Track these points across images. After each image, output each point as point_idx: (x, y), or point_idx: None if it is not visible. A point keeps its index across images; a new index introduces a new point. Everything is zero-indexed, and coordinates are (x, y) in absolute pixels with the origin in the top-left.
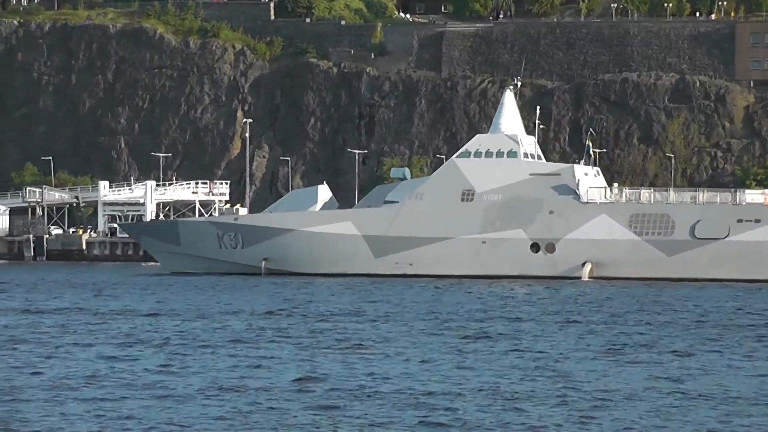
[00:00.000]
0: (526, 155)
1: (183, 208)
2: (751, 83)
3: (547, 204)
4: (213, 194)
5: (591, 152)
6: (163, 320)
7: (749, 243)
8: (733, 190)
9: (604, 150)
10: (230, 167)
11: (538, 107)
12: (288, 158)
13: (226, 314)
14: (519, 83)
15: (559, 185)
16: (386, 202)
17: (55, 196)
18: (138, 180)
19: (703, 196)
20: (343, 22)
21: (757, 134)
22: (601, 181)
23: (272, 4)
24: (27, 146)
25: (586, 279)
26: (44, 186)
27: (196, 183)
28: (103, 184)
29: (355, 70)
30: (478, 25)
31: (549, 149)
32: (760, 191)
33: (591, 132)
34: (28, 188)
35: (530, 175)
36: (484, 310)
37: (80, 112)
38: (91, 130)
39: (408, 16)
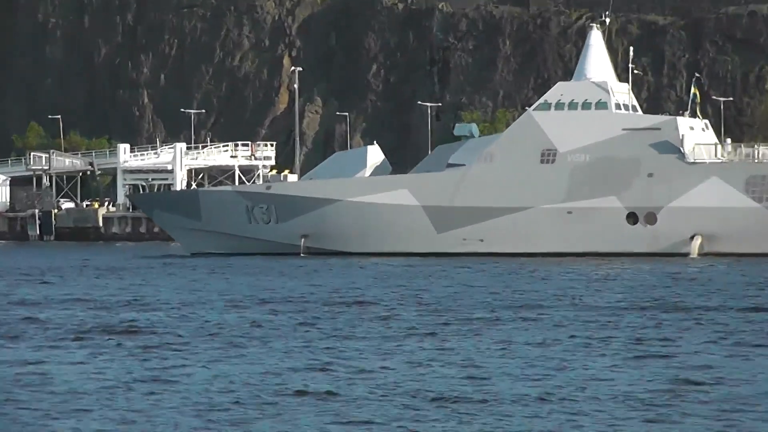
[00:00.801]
0: (618, 106)
1: (220, 175)
2: None
3: (646, 165)
4: (256, 158)
5: (698, 101)
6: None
7: None
8: None
9: (730, 99)
10: (276, 125)
11: (631, 49)
12: (346, 114)
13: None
14: (608, 19)
15: (660, 142)
16: (449, 166)
17: (66, 162)
18: (165, 142)
19: None
20: None
21: None
22: (711, 136)
23: None
24: (31, 103)
25: (696, 255)
26: (52, 150)
27: (236, 145)
28: (123, 148)
29: (425, 6)
30: None
31: (662, 97)
32: None
33: (697, 76)
34: (32, 153)
35: (624, 130)
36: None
37: (94, 61)
38: (108, 83)
39: None
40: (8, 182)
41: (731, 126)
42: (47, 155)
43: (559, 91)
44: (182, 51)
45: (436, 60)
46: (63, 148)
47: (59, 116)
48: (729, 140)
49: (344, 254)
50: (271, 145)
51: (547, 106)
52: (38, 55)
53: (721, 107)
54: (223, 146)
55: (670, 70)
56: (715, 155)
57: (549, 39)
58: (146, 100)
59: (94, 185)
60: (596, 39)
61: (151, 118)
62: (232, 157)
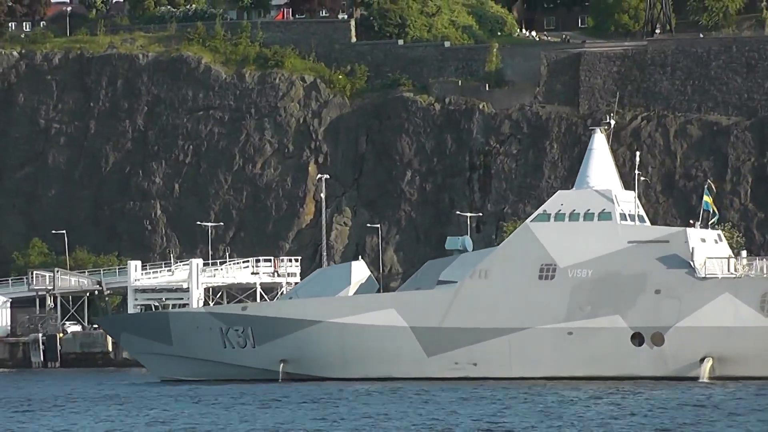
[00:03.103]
0: (623, 217)
1: (240, 293)
2: None
3: (653, 281)
4: (279, 275)
5: (711, 209)
6: None
7: None
8: None
9: None
10: (301, 238)
11: (638, 153)
12: (377, 225)
13: None
14: (613, 121)
15: (668, 256)
16: (440, 283)
17: (71, 281)
18: (179, 258)
19: None
20: (447, 44)
21: None
22: (724, 248)
23: (353, 22)
24: (32, 216)
25: (706, 379)
26: (56, 269)
27: (257, 260)
28: (134, 265)
29: (465, 107)
30: (626, 43)
31: (725, 205)
32: None
33: (709, 183)
34: (35, 272)
35: (629, 243)
36: None
37: (102, 170)
38: (117, 193)
39: (533, 33)
40: (9, 304)
41: None
42: (51, 274)
43: (559, 201)
44: (198, 157)
45: (477, 165)
46: (68, 266)
47: (63, 231)
48: (744, 253)
49: (326, 380)
50: (296, 260)
51: (546, 217)
52: (39, 163)
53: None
54: (244, 262)
55: (733, 174)
56: (728, 270)
57: None
58: (159, 212)
59: (102, 306)
60: (600, 143)
61: (164, 231)
62: (253, 273)
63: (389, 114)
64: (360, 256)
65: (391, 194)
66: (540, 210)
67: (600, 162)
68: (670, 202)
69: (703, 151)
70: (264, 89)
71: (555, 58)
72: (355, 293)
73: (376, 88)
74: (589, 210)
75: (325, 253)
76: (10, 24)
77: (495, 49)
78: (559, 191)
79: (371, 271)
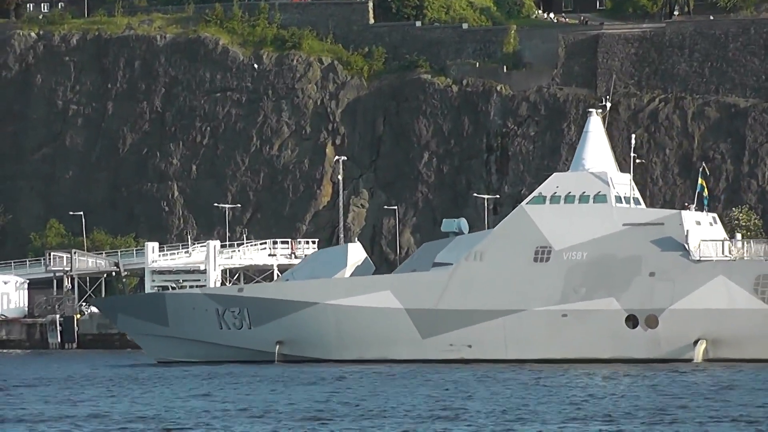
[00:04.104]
0: (618, 199)
1: (257, 275)
2: None
3: (647, 264)
4: (296, 257)
5: (705, 193)
6: None
7: None
8: None
9: None
10: (318, 220)
11: (633, 136)
12: (395, 207)
13: None
14: (608, 104)
15: (663, 239)
16: (436, 265)
17: (89, 263)
18: (197, 240)
19: None
20: (465, 26)
21: None
22: (719, 231)
23: (371, 4)
24: (50, 198)
25: (700, 361)
26: (74, 250)
27: (274, 242)
28: (151, 246)
29: (482, 89)
30: (645, 25)
31: (743, 188)
32: None
33: (704, 167)
34: (52, 253)
35: (624, 225)
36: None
37: (119, 151)
38: (134, 175)
39: (551, 15)
40: (26, 285)
41: None
42: (68, 255)
43: (554, 183)
44: (215, 139)
45: (494, 147)
46: (85, 248)
47: (81, 212)
48: (739, 236)
49: (322, 361)
50: (313, 242)
51: (541, 200)
52: (57, 145)
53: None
54: (261, 244)
55: (751, 156)
56: (723, 252)
57: (619, 123)
58: (176, 193)
59: (119, 287)
60: (596, 125)
61: (181, 213)
62: (270, 255)
63: (407, 96)
64: (376, 239)
65: (408, 176)
66: (535, 192)
67: (596, 144)
68: (687, 184)
69: (721, 133)
70: (281, 71)
71: (573, 40)
72: (351, 275)
73: (394, 70)
74: (584, 192)
75: (342, 235)
76: (28, 5)
77: (513, 31)
78: (554, 173)
79: (386, 254)
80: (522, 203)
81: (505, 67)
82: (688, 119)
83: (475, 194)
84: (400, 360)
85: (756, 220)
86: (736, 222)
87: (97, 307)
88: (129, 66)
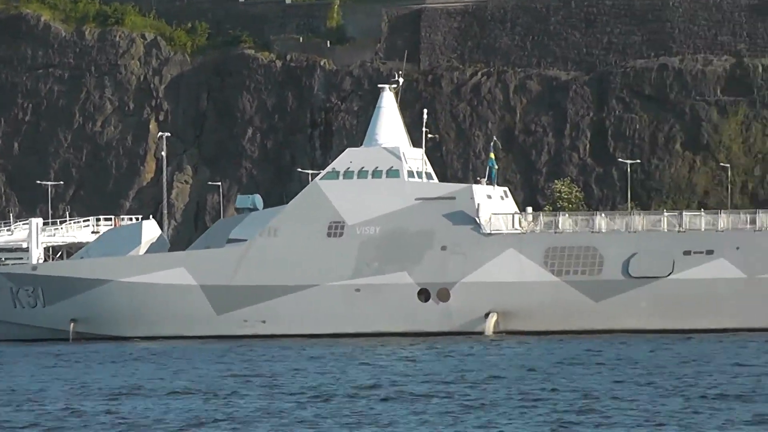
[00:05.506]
0: (411, 174)
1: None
2: None
3: (439, 237)
4: None
5: (495, 167)
6: None
7: (698, 281)
8: (677, 213)
9: (638, 161)
10: (142, 197)
11: (425, 112)
12: (219, 183)
13: None
14: (401, 79)
15: (454, 212)
16: (230, 241)
17: None
18: (19, 218)
19: (641, 221)
20: (288, 1)
21: None
22: (510, 205)
23: None
24: None
25: (491, 334)
26: None
27: (98, 219)
28: None
29: (306, 64)
30: (467, 0)
31: (564, 161)
32: None
33: (495, 141)
34: None
35: (416, 200)
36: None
37: None
38: None
39: None
40: None
41: (638, 191)
42: None
43: (348, 159)
44: (38, 116)
45: (318, 122)
46: None
47: None
48: (530, 209)
49: (116, 339)
50: (137, 218)
51: (335, 175)
52: None
53: (628, 170)
54: (84, 221)
55: (572, 129)
56: (513, 226)
57: (441, 97)
58: None
59: None
60: (388, 100)
61: (3, 191)
62: (93, 233)
63: (230, 71)
64: (199, 215)
65: (232, 152)
66: (329, 168)
67: (389, 120)
68: (510, 158)
69: (543, 107)
70: (104, 46)
71: (396, 15)
72: (145, 252)
73: (217, 46)
74: (377, 167)
75: (165, 212)
76: None
77: (336, 6)
78: (348, 149)
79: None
80: (315, 179)
81: (328, 42)
82: (510, 93)
83: (299, 169)
84: (195, 336)
85: (577, 193)
86: (558, 195)
87: None
88: None
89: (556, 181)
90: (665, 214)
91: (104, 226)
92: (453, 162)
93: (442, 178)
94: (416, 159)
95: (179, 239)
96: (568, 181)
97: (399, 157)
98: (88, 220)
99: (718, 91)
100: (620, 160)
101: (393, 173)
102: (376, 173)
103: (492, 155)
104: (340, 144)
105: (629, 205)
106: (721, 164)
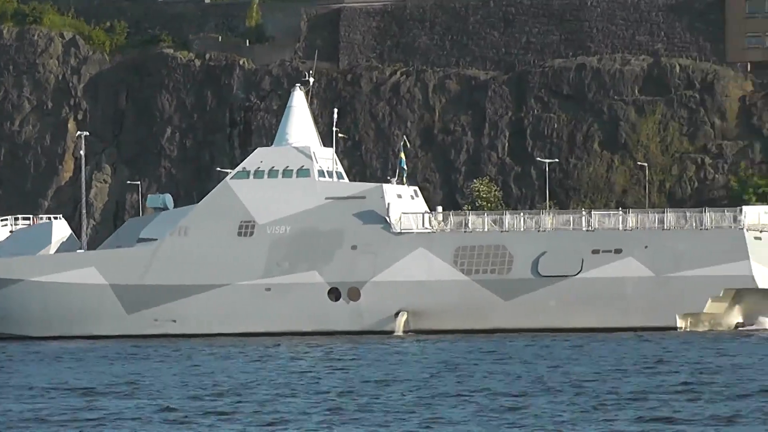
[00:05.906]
0: (321, 173)
1: None
2: (748, 67)
3: (349, 237)
4: None
5: (405, 166)
6: None
7: (607, 280)
8: (586, 211)
9: (556, 160)
10: (60, 196)
11: (336, 111)
12: (138, 182)
13: None
14: (312, 79)
15: (364, 212)
16: (140, 240)
17: None
18: None
19: (550, 220)
20: (207, 0)
21: (757, 132)
22: (420, 204)
23: None
24: None
25: (400, 333)
26: None
27: (16, 219)
28: None
29: (225, 63)
30: None
31: (483, 160)
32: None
33: (405, 140)
34: None
35: (326, 199)
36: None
37: None
38: None
39: None
40: None
41: (557, 190)
42: None
43: (258, 158)
44: None
45: (237, 121)
46: None
47: None
48: (440, 208)
49: (28, 339)
50: (56, 218)
51: (245, 174)
52: None
53: (546, 169)
54: (2, 220)
55: (491, 128)
56: (423, 225)
57: (360, 97)
58: None
59: None
60: (299, 100)
61: None
62: (11, 232)
63: (149, 70)
64: (120, 214)
65: (152, 151)
66: (239, 167)
67: (299, 119)
68: (429, 157)
69: (461, 106)
70: (22, 45)
71: (315, 14)
72: (56, 252)
73: (136, 45)
74: (287, 167)
75: (84, 211)
76: None
77: (255, 5)
78: (258, 148)
79: None
80: (226, 178)
81: (247, 41)
82: (429, 92)
83: (218, 168)
84: (105, 336)
85: (496, 192)
86: (477, 193)
87: None
88: None
89: (474, 180)
90: (573, 213)
91: (23, 226)
92: (372, 161)
93: (362, 177)
94: (327, 158)
95: (98, 239)
96: (487, 181)
97: (309, 157)
98: (6, 219)
99: (636, 91)
100: (539, 159)
101: (303, 173)
102: (287, 173)
103: (402, 155)
104: (259, 143)
105: (547, 204)
106: (639, 163)
